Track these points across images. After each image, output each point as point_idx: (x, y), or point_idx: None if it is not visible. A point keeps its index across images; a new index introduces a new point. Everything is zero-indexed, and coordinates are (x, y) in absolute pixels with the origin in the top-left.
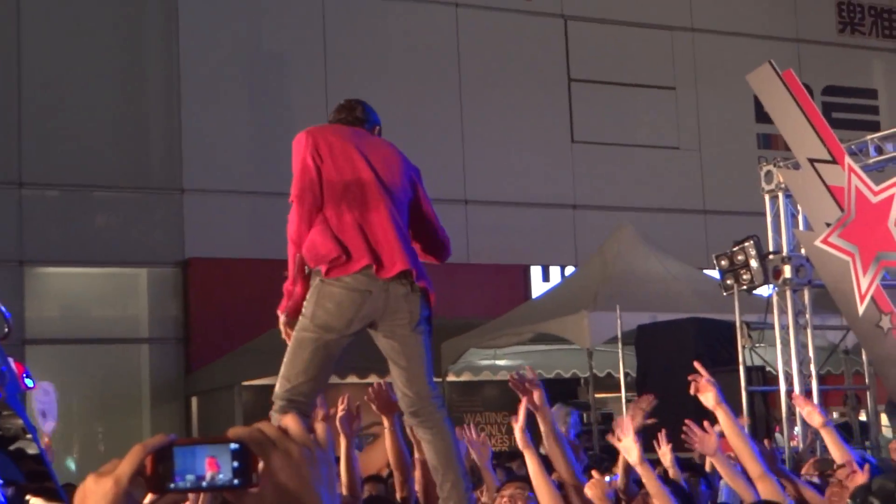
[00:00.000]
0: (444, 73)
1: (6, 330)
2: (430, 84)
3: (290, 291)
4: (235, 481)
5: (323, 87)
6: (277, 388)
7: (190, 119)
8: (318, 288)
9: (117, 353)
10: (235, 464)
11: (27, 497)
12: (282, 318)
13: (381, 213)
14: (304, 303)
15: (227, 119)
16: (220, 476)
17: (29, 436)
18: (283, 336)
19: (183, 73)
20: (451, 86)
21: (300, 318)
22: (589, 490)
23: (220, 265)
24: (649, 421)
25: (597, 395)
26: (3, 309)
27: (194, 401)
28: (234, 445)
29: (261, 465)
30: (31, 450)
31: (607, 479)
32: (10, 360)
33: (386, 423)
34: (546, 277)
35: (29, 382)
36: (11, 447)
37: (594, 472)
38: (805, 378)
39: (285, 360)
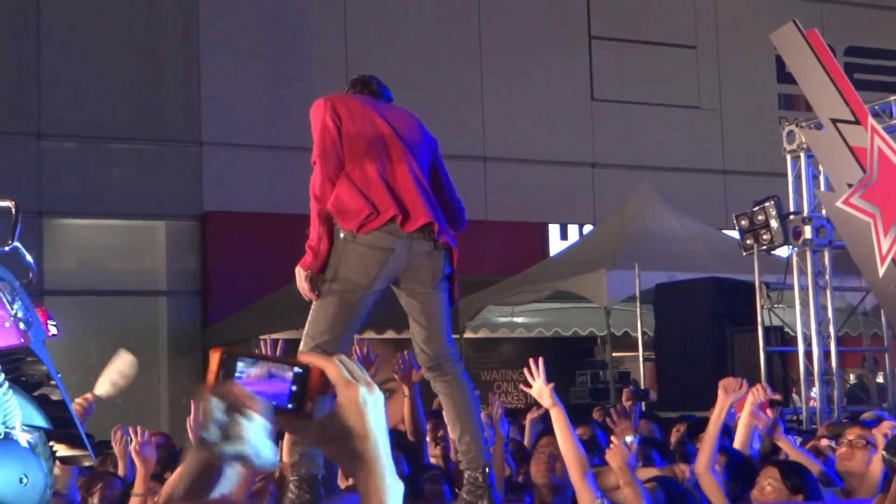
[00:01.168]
0: (464, 29)
1: (32, 277)
2: (450, 40)
3: (315, 249)
4: (289, 405)
5: (342, 42)
6: (302, 346)
7: (209, 72)
8: (341, 246)
9: (135, 305)
10: (294, 388)
11: (51, 443)
12: (303, 274)
13: (403, 166)
14: (328, 260)
15: (246, 73)
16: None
17: (53, 382)
18: (302, 291)
19: (202, 26)
20: (471, 42)
21: (324, 276)
22: (610, 458)
23: (239, 219)
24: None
25: (614, 354)
26: (26, 256)
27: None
28: (297, 369)
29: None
30: (55, 396)
31: (629, 439)
32: (35, 306)
33: (406, 391)
34: (564, 235)
35: (53, 329)
36: (35, 393)
37: (613, 438)
38: (823, 339)
39: (310, 318)
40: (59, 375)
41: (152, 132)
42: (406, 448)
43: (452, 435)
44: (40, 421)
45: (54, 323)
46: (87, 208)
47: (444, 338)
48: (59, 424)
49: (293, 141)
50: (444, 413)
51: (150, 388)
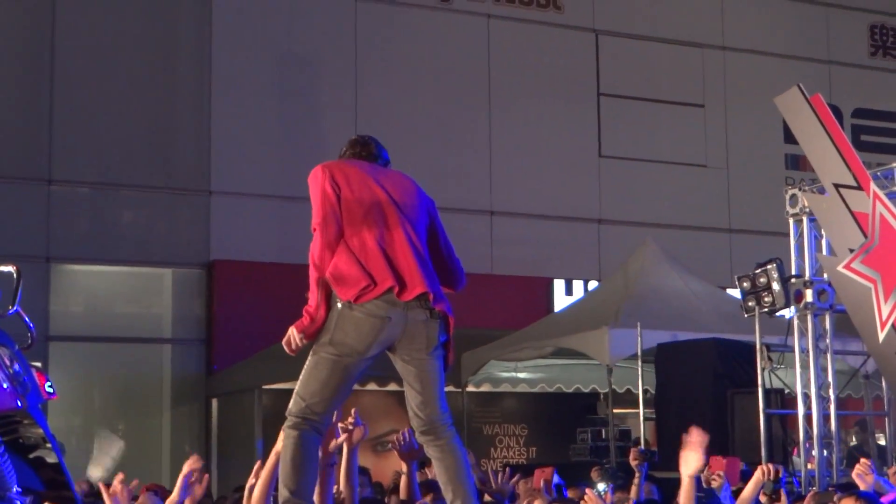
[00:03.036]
0: (474, 83)
1: (29, 342)
2: (460, 93)
3: (312, 314)
4: None
5: (353, 93)
6: (292, 406)
7: (219, 121)
8: (338, 312)
9: (140, 352)
10: None
11: None
12: (297, 336)
13: (400, 234)
14: (324, 325)
15: (257, 122)
16: None
17: (48, 445)
18: (287, 347)
19: (214, 75)
20: (480, 96)
21: (319, 339)
22: None
23: (245, 268)
24: None
25: (615, 411)
26: (27, 320)
27: (215, 402)
28: None
29: None
30: (51, 459)
31: (601, 487)
32: (33, 370)
33: (404, 468)
34: (569, 291)
35: (50, 391)
36: (31, 455)
37: (588, 491)
38: (824, 401)
39: (301, 378)
40: (56, 439)
41: (162, 179)
42: None
43: (445, 498)
44: (35, 483)
45: (51, 385)
46: (94, 254)
47: (437, 403)
48: (54, 487)
49: (302, 191)
50: (437, 477)
51: (152, 435)
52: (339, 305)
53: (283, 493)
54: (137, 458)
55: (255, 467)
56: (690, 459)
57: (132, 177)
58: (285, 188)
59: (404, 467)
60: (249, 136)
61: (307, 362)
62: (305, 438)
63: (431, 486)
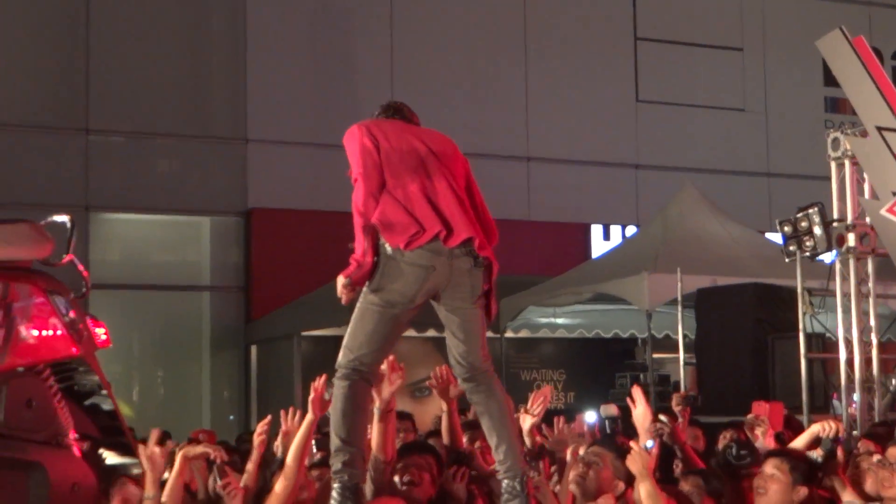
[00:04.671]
0: (510, 30)
1: (83, 290)
2: (496, 41)
3: (360, 261)
4: None
5: (388, 40)
6: (341, 358)
7: (255, 69)
8: (385, 261)
9: (179, 299)
10: None
11: (101, 451)
12: (343, 282)
13: (442, 182)
14: (371, 273)
15: (292, 70)
16: None
17: (104, 391)
18: (340, 295)
19: (249, 23)
20: (516, 43)
21: (365, 289)
22: (630, 464)
23: (282, 215)
24: None
25: (654, 356)
26: (81, 268)
27: (254, 349)
28: None
29: None
30: (106, 405)
31: (648, 444)
32: (87, 318)
33: (445, 407)
34: (607, 236)
35: (104, 338)
36: (87, 402)
37: (633, 443)
38: (865, 346)
39: (349, 329)
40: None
41: (199, 128)
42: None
43: (489, 444)
44: (91, 430)
45: (105, 332)
46: (132, 203)
47: (480, 351)
48: (110, 433)
49: (338, 138)
50: (481, 422)
51: (192, 382)
52: (388, 253)
53: (334, 440)
54: (177, 406)
55: (289, 413)
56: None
57: (169, 125)
58: (321, 135)
59: (444, 406)
60: (285, 84)
61: (354, 313)
62: (355, 388)
63: (473, 427)
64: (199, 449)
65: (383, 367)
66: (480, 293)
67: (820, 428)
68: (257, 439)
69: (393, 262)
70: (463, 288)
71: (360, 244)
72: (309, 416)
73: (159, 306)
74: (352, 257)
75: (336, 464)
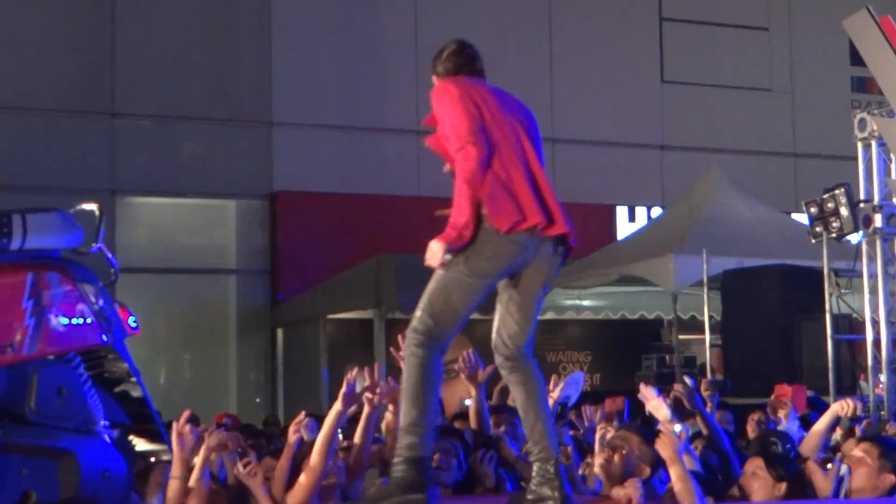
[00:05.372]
0: (535, 9)
1: (112, 277)
2: (521, 21)
3: (460, 230)
4: None
5: (413, 22)
6: (417, 324)
7: (280, 52)
8: (483, 236)
9: (205, 282)
10: None
11: (131, 438)
12: (442, 248)
13: (537, 166)
14: (467, 244)
15: (317, 54)
16: None
17: (133, 379)
18: (430, 262)
19: (274, 6)
20: (541, 22)
21: (454, 257)
22: (660, 447)
23: (308, 199)
24: None
25: (680, 337)
26: (110, 256)
27: (280, 332)
28: None
29: None
30: (136, 392)
31: (677, 428)
32: (116, 305)
33: (472, 391)
34: (632, 218)
35: (133, 326)
36: (117, 389)
37: (662, 427)
38: (892, 326)
39: (429, 298)
40: (140, 372)
41: (224, 111)
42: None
43: (524, 425)
44: (121, 417)
45: (135, 320)
46: (158, 186)
47: (528, 336)
48: (140, 420)
49: (363, 121)
50: (516, 403)
51: (218, 365)
52: (487, 230)
53: (410, 414)
54: (204, 389)
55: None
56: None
57: (194, 109)
58: (346, 118)
59: (472, 391)
60: (310, 67)
61: (436, 280)
62: (432, 360)
63: (500, 411)
64: (215, 439)
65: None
66: (552, 283)
67: (839, 407)
68: (292, 437)
69: (493, 239)
70: (540, 273)
71: (464, 213)
72: (337, 407)
73: (186, 290)
74: (451, 225)
75: (409, 437)
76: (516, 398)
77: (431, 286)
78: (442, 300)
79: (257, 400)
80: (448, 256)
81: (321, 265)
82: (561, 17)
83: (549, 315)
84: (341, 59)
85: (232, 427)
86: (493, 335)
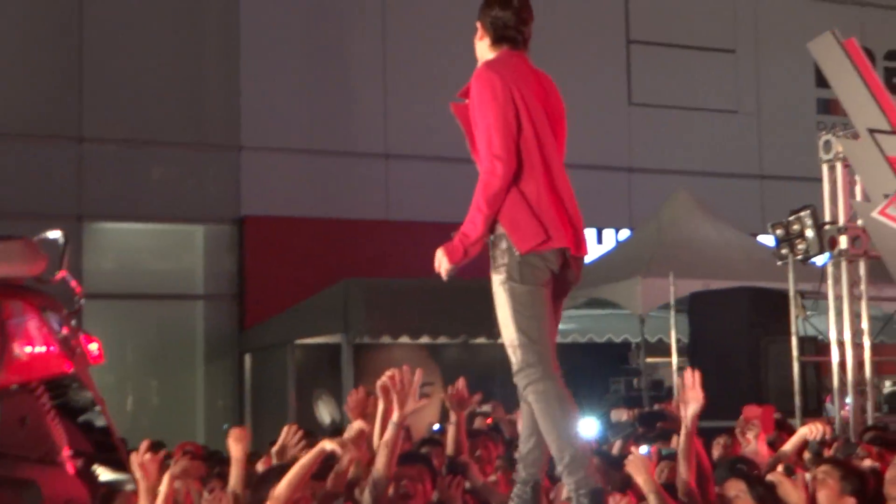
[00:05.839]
0: None
1: (77, 306)
2: None
3: (466, 247)
4: None
5: (381, 47)
6: (528, 356)
7: (248, 76)
8: (514, 260)
9: (173, 308)
10: None
11: (95, 467)
12: (448, 266)
13: (564, 177)
14: (501, 262)
15: (286, 77)
16: None
17: (97, 408)
18: (438, 271)
19: (243, 30)
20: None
21: (505, 276)
22: (632, 470)
23: (276, 223)
24: None
25: (648, 360)
26: (74, 285)
27: (248, 357)
28: None
29: None
30: (100, 422)
31: (644, 449)
32: (80, 333)
33: (453, 417)
34: (600, 240)
35: (97, 354)
36: (80, 419)
37: (632, 448)
38: (858, 348)
39: (515, 325)
40: (104, 401)
41: (192, 135)
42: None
43: (521, 444)
44: (85, 446)
45: (97, 347)
46: (126, 211)
47: (552, 353)
48: (104, 449)
49: (332, 145)
50: (520, 420)
51: (186, 391)
52: (514, 255)
53: (566, 451)
54: (172, 415)
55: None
56: (691, 398)
57: (162, 133)
58: (315, 142)
59: (453, 417)
60: (278, 90)
61: (508, 303)
62: (558, 387)
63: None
64: (179, 467)
65: (410, 378)
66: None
67: (808, 430)
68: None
69: (522, 261)
70: (563, 287)
71: (477, 230)
72: (319, 448)
73: (153, 315)
74: (460, 238)
75: (578, 471)
76: (523, 418)
77: (509, 311)
78: (530, 319)
79: (225, 426)
80: (450, 267)
81: (289, 290)
82: (535, 38)
83: None
84: (310, 83)
85: (196, 455)
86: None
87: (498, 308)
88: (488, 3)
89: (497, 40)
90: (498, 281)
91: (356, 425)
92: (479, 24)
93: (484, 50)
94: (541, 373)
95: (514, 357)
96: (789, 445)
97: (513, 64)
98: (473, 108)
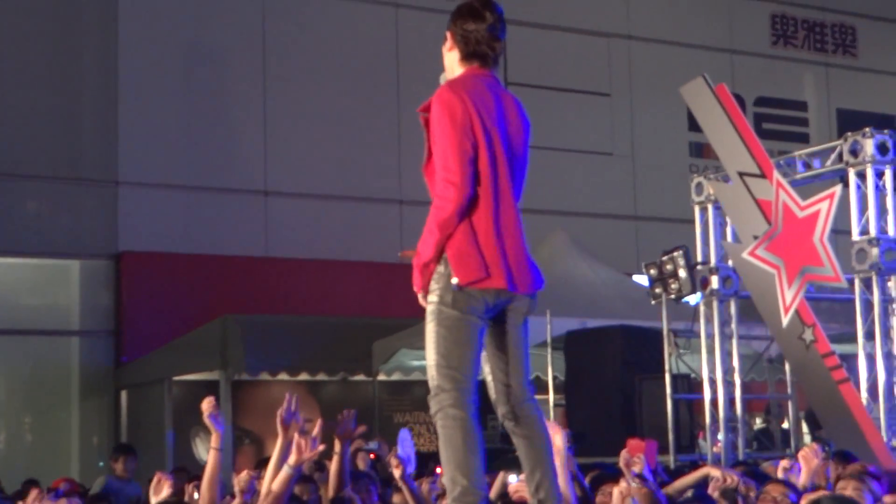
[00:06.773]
0: (382, 74)
1: None
2: (367, 85)
3: (420, 269)
4: None
5: (261, 83)
6: (443, 382)
7: (126, 111)
8: (449, 288)
9: (47, 344)
10: None
11: None
12: (417, 290)
13: (515, 219)
14: (438, 285)
15: (164, 113)
16: None
17: None
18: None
19: (121, 65)
20: (388, 87)
21: (437, 300)
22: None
23: (153, 259)
24: None
25: None
26: None
27: (124, 394)
28: None
29: None
30: None
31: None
32: None
33: (338, 447)
34: None
35: None
36: None
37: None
38: (729, 386)
39: (436, 349)
40: None
41: (68, 169)
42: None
43: (527, 481)
44: None
45: None
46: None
47: (524, 381)
48: None
49: (210, 181)
50: (519, 453)
51: (60, 428)
52: (450, 282)
53: (459, 482)
54: (46, 453)
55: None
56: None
57: (37, 167)
58: (193, 178)
59: (338, 446)
60: (156, 126)
61: (434, 327)
62: (471, 419)
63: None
64: None
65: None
66: (527, 317)
67: (719, 476)
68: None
69: (457, 293)
70: (519, 314)
71: (428, 252)
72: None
73: (27, 352)
74: (415, 266)
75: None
76: (519, 452)
77: (433, 335)
78: (452, 345)
79: (101, 464)
80: (420, 293)
81: (167, 326)
82: (409, 82)
83: (396, 376)
84: (189, 119)
85: (71, 492)
86: (491, 391)
87: (425, 331)
88: (460, 13)
89: (467, 56)
90: (430, 303)
91: (243, 475)
92: (448, 34)
93: (453, 62)
94: (452, 400)
95: (431, 382)
96: (689, 479)
97: (479, 88)
98: (433, 126)
